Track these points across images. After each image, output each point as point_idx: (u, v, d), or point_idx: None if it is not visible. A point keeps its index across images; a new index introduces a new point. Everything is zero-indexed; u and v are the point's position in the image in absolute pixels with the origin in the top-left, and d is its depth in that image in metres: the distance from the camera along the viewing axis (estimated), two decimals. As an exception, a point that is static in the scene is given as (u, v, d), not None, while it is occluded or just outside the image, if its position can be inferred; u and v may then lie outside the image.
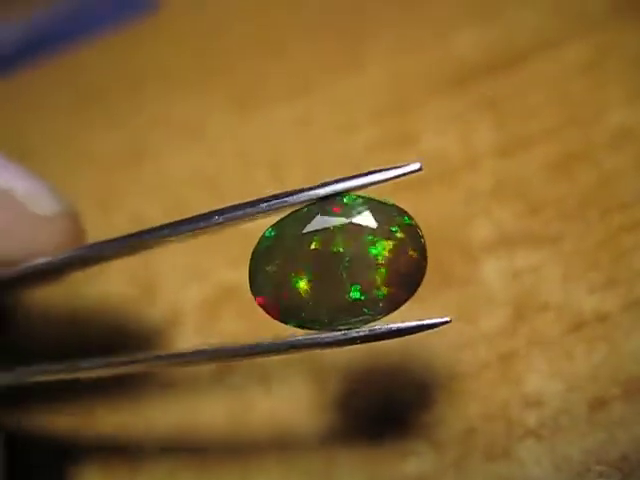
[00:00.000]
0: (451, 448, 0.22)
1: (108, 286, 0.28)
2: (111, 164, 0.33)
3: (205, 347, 0.17)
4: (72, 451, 0.25)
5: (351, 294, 0.16)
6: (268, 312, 0.17)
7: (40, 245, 0.19)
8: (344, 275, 0.16)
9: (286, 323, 0.17)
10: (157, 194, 0.31)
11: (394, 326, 0.16)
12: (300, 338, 0.16)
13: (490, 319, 0.24)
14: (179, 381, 0.26)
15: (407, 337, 0.24)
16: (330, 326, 0.16)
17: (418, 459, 0.22)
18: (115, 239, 0.18)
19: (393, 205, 0.16)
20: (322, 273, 0.16)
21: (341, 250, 0.16)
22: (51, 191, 0.19)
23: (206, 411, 0.25)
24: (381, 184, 0.16)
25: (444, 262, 0.25)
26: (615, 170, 0.26)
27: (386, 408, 0.23)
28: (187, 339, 0.26)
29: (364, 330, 0.16)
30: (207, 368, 0.25)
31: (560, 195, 0.26)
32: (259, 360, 0.25)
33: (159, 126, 0.34)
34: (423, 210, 0.27)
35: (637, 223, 0.24)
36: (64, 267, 0.19)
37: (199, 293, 0.27)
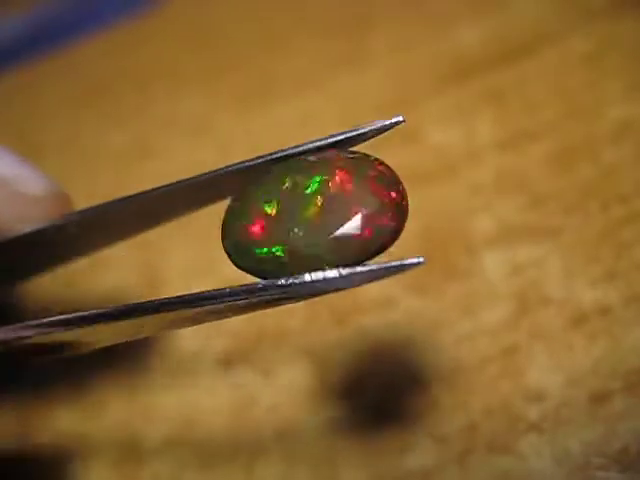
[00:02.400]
0: (453, 442, 0.22)
1: (114, 279, 0.29)
2: (117, 160, 0.33)
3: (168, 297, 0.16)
4: (79, 446, 0.26)
5: (330, 236, 0.15)
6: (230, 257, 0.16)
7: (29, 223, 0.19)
8: (312, 216, 0.15)
9: (259, 253, 0.16)
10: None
11: (363, 268, 0.14)
12: (258, 283, 0.15)
13: (492, 313, 0.24)
14: (183, 376, 0.26)
15: (409, 329, 0.24)
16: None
17: (420, 452, 0.22)
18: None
19: (369, 156, 0.16)
20: (289, 211, 0.15)
21: (310, 190, 0.15)
22: (38, 172, 0.20)
23: (210, 405, 0.25)
24: (364, 139, 0.16)
25: (447, 255, 0.26)
26: (615, 163, 0.26)
27: (388, 402, 0.23)
28: (191, 332, 0.27)
29: (333, 272, 0.15)
30: (211, 362, 0.26)
31: (561, 188, 0.26)
32: (262, 354, 0.25)
33: (165, 122, 0.34)
34: (426, 203, 0.27)
35: (637, 215, 0.24)
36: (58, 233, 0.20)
37: (204, 287, 0.28)
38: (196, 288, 0.27)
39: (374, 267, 0.14)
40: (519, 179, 0.26)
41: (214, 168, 0.17)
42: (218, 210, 0.20)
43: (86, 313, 0.17)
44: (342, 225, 0.15)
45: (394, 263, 0.14)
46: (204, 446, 0.24)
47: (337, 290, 0.15)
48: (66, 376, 0.26)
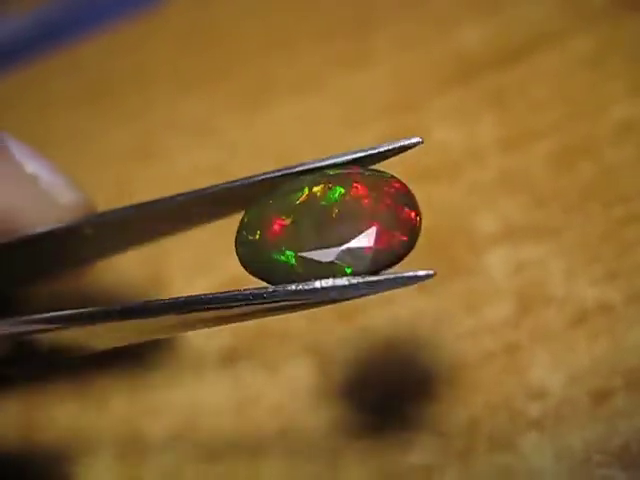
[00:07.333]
0: (455, 439, 0.22)
1: (118, 276, 0.29)
2: (121, 159, 0.33)
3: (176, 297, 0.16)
4: (82, 441, 0.26)
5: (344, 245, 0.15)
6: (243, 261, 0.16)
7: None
8: (327, 226, 0.15)
9: (276, 256, 0.16)
10: (168, 190, 0.31)
11: (373, 278, 0.15)
12: (268, 287, 0.15)
13: (494, 311, 0.24)
14: (186, 372, 0.26)
15: (412, 326, 0.25)
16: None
17: (422, 449, 0.22)
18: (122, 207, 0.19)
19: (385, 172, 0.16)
20: (304, 221, 0.15)
21: (326, 202, 0.15)
22: (72, 183, 0.21)
23: (213, 401, 0.25)
24: (383, 159, 0.16)
25: (449, 253, 0.26)
26: (617, 163, 0.26)
27: (391, 399, 0.24)
28: (195, 331, 0.27)
29: (339, 281, 0.15)
30: (214, 358, 0.26)
31: (563, 188, 0.26)
32: (265, 350, 0.25)
33: (169, 122, 0.34)
34: (429, 203, 0.27)
35: (638, 215, 0.24)
36: (73, 244, 0.20)
37: (207, 283, 0.28)
38: (199, 286, 0.28)
39: (383, 277, 0.15)
40: (521, 179, 0.27)
41: (233, 179, 0.17)
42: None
43: (86, 310, 0.17)
44: (355, 237, 0.15)
45: (404, 274, 0.14)
46: (207, 442, 0.25)
47: (345, 299, 0.15)
48: (69, 371, 0.26)
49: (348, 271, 0.15)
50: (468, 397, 0.23)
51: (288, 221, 0.16)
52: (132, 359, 0.26)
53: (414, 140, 0.16)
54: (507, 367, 0.23)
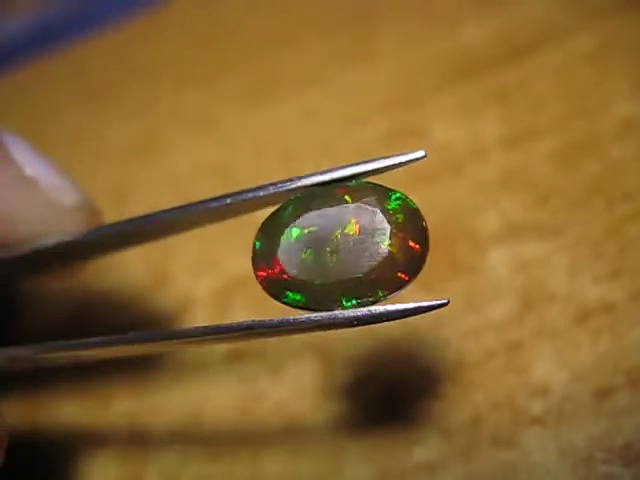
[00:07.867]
0: (458, 436, 0.22)
1: (121, 274, 0.29)
2: (124, 156, 0.34)
3: (201, 325, 0.17)
4: (85, 438, 0.26)
5: (352, 276, 0.16)
6: (267, 287, 0.17)
7: (57, 233, 0.20)
8: (346, 256, 0.16)
9: (283, 299, 0.17)
10: (170, 186, 0.32)
11: (393, 307, 0.16)
12: (297, 317, 0.16)
13: (497, 308, 0.24)
14: (190, 370, 0.26)
15: (414, 325, 0.25)
16: (328, 307, 0.16)
17: (425, 447, 0.22)
18: (128, 220, 0.18)
19: (396, 191, 0.16)
20: (323, 251, 0.16)
21: (342, 234, 0.16)
22: (73, 184, 0.20)
23: (216, 400, 0.25)
24: (386, 171, 0.17)
25: (452, 252, 0.26)
26: (620, 160, 0.26)
27: (393, 396, 0.24)
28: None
29: (362, 311, 0.16)
30: (218, 356, 0.26)
31: (566, 185, 0.26)
32: (269, 349, 0.26)
33: (171, 118, 0.34)
34: (431, 200, 0.27)
35: (642, 213, 0.25)
36: (76, 249, 0.20)
37: (211, 282, 0.28)
38: (203, 285, 0.28)
39: (403, 307, 0.16)
40: (524, 176, 0.27)
41: (233, 191, 0.17)
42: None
43: (126, 336, 0.18)
44: (359, 270, 0.16)
45: (423, 305, 0.16)
46: (210, 440, 0.25)
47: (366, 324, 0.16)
48: (73, 368, 0.26)
49: (348, 304, 0.16)
50: (471, 395, 0.23)
51: (297, 259, 0.16)
52: (136, 357, 0.26)
53: (416, 155, 0.16)
54: (510, 365, 0.23)
